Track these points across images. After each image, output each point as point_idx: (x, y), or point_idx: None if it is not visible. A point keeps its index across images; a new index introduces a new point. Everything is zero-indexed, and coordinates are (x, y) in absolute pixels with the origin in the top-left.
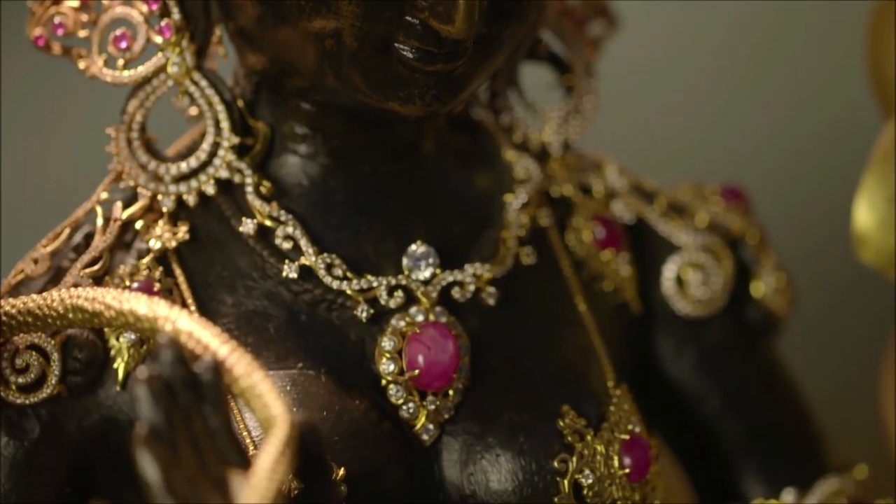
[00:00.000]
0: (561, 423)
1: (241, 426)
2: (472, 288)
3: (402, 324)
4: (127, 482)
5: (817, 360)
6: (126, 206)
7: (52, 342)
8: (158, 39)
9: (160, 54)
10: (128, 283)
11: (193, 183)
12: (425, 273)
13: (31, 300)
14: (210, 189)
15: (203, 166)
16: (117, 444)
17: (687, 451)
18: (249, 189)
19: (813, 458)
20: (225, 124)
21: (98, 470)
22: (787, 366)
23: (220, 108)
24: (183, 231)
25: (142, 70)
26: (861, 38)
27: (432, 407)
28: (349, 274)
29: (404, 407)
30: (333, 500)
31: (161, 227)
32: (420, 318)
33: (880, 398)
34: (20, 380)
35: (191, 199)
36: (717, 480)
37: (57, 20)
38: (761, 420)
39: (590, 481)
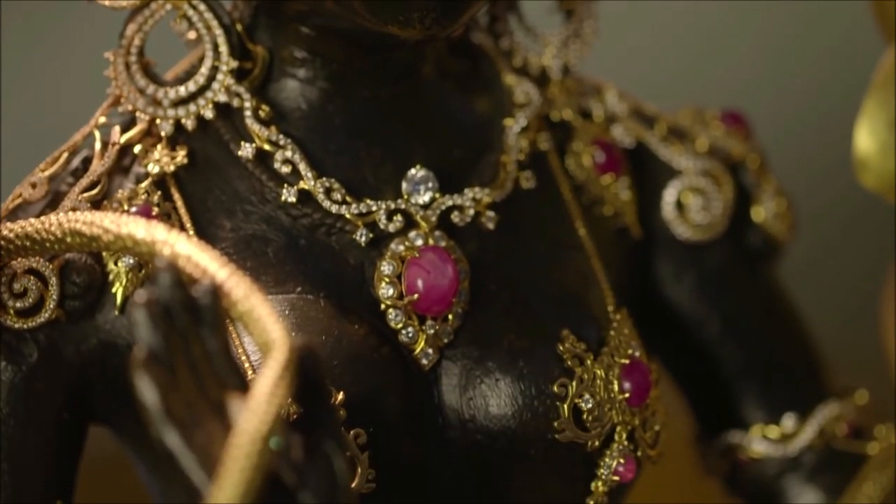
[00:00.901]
0: (560, 348)
1: (240, 350)
2: (471, 212)
3: (402, 248)
4: (125, 406)
5: (818, 286)
6: (124, 130)
7: (51, 266)
8: None
9: None
10: (126, 207)
11: (192, 107)
12: (424, 197)
13: (29, 224)
14: (209, 113)
15: (201, 90)
16: (116, 369)
17: (686, 377)
18: (248, 113)
19: (813, 383)
20: (223, 48)
21: (96, 395)
22: (787, 291)
23: (218, 32)
24: (181, 155)
25: None
26: None
27: (431, 331)
28: (348, 198)
29: (403, 331)
30: (333, 424)
31: (159, 152)
32: (419, 242)
33: (880, 324)
34: (18, 304)
35: (189, 124)
36: (716, 406)
37: None
38: (761, 345)
39: (589, 406)
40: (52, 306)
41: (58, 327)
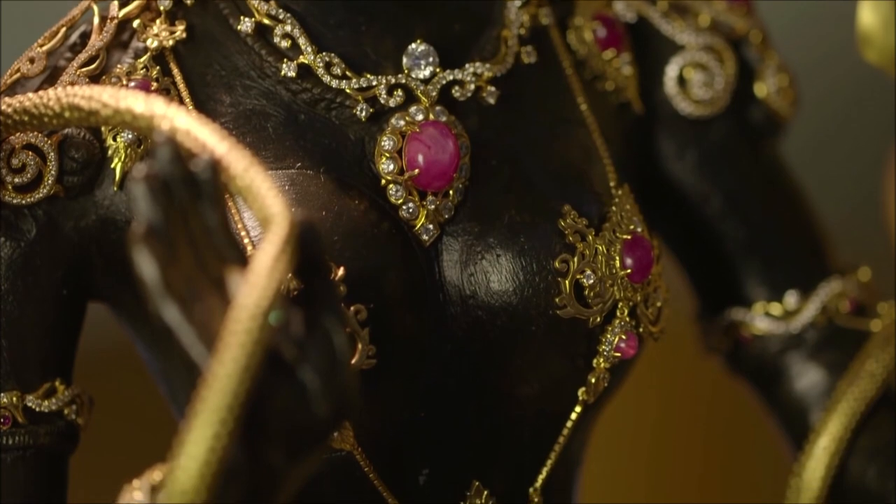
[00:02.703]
0: (562, 223)
1: (240, 225)
2: (472, 87)
3: (402, 123)
4: (124, 283)
5: (821, 165)
6: (123, 5)
7: (49, 142)
8: None
9: None
10: (125, 82)
11: None
12: (425, 72)
13: (28, 99)
14: None
15: None
16: (114, 245)
17: (688, 254)
18: None
19: (816, 260)
20: None
21: (95, 271)
22: (790, 169)
23: None
24: (180, 30)
25: None
26: None
27: (432, 207)
28: (348, 73)
29: (404, 207)
30: (333, 299)
31: (158, 26)
32: (420, 117)
33: (884, 201)
34: (16, 180)
35: None
36: (718, 283)
37: None
38: (763, 221)
39: (591, 281)
40: (50, 182)
41: (56, 203)
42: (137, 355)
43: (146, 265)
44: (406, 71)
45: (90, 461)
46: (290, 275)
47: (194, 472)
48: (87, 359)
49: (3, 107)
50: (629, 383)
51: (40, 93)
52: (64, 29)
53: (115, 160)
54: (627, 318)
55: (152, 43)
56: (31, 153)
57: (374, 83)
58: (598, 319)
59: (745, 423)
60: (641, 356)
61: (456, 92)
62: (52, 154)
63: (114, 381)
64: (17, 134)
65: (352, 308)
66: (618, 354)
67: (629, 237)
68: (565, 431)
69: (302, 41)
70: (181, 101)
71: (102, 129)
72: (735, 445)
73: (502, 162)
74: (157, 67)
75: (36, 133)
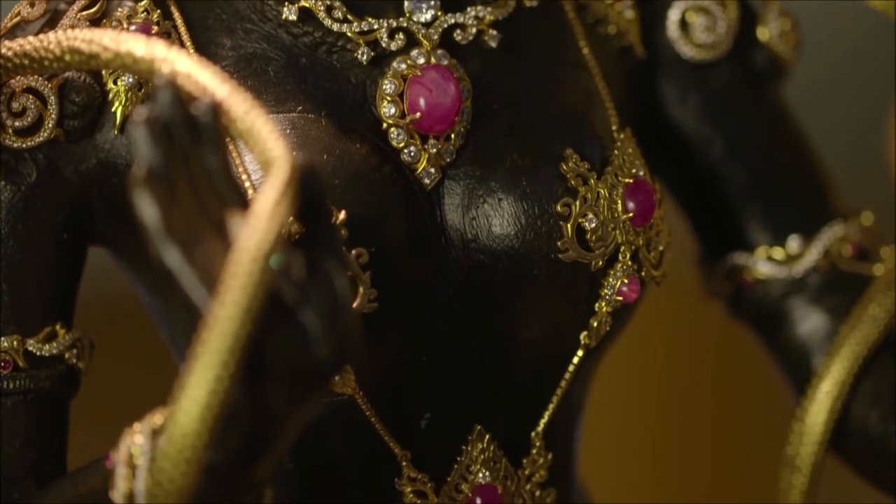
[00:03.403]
0: (564, 167)
1: (241, 169)
2: (473, 30)
3: (403, 66)
4: (125, 227)
5: (823, 108)
6: None
7: (49, 85)
8: None
9: None
10: (125, 25)
11: None
12: (426, 15)
13: (28, 42)
14: None
15: None
16: (115, 189)
17: (691, 199)
18: None
19: (818, 204)
20: None
21: (96, 215)
22: (792, 112)
23: None
24: None
25: None
26: None
27: (434, 150)
28: (349, 16)
29: (405, 150)
30: (334, 242)
31: None
32: (421, 60)
33: (886, 145)
34: (17, 123)
35: None
36: (721, 228)
37: None
38: (766, 165)
39: (593, 225)
40: (50, 125)
41: (57, 147)
42: (138, 299)
43: (147, 208)
44: (407, 14)
45: (91, 405)
46: (291, 218)
47: (195, 414)
48: (87, 303)
49: (4, 50)
50: (632, 329)
51: (41, 36)
52: None
53: (116, 104)
54: (629, 262)
55: None
56: (31, 97)
57: (376, 26)
58: (600, 263)
59: (748, 368)
60: (643, 299)
61: (457, 35)
62: (53, 97)
63: (114, 325)
64: (18, 77)
65: (353, 252)
66: (620, 298)
67: (631, 181)
68: (567, 375)
69: None
70: (182, 45)
71: (103, 72)
72: (737, 391)
73: (504, 106)
74: (158, 11)
75: (36, 76)
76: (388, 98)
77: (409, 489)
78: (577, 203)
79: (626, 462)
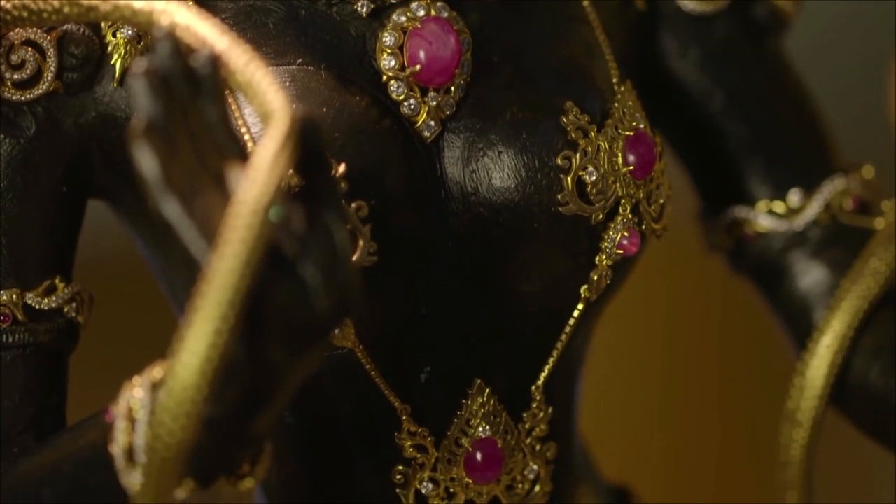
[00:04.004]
0: (564, 120)
1: (240, 121)
2: None
3: (403, 19)
4: (124, 180)
5: (824, 61)
6: None
7: (48, 38)
8: None
9: None
10: None
11: None
12: None
13: None
14: None
15: None
16: (114, 142)
17: (691, 152)
18: None
19: (819, 158)
20: None
21: (95, 168)
22: (793, 66)
23: None
24: None
25: None
26: None
27: (433, 103)
28: None
29: (405, 103)
30: (334, 195)
31: None
32: (421, 12)
33: (887, 99)
34: (15, 76)
35: None
36: (721, 182)
37: None
38: (767, 119)
39: (593, 178)
40: (49, 78)
41: (56, 99)
42: (137, 253)
43: (146, 160)
44: None
45: (90, 359)
46: (290, 171)
47: (195, 368)
48: (86, 257)
49: (2, 3)
50: (634, 284)
51: None
52: None
53: (115, 56)
54: (630, 215)
55: None
56: (30, 49)
57: None
58: (601, 216)
59: (748, 324)
60: (644, 253)
61: None
62: (52, 50)
63: (113, 278)
64: (16, 30)
65: (353, 205)
66: (620, 251)
67: (632, 133)
68: (567, 329)
69: None
70: None
71: (102, 25)
72: (738, 346)
73: (504, 59)
74: None
75: (35, 29)
76: (388, 51)
77: (408, 443)
78: (578, 156)
79: (627, 418)
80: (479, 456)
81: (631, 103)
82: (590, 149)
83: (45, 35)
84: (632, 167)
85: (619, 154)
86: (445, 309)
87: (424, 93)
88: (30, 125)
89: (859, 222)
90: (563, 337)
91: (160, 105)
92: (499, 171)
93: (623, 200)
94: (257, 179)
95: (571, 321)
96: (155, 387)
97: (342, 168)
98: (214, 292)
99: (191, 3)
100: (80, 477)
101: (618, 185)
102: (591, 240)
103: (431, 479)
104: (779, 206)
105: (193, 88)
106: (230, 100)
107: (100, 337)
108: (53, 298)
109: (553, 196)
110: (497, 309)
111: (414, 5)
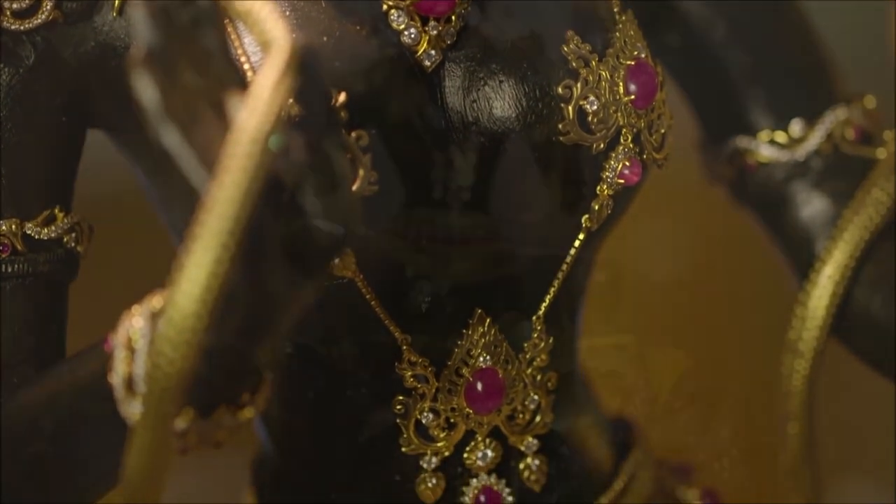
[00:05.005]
0: (565, 49)
1: (240, 51)
2: None
3: None
4: (124, 110)
5: None
6: None
7: None
8: None
9: None
10: None
11: None
12: None
13: None
14: None
15: None
16: (114, 72)
17: (693, 83)
18: None
19: (821, 88)
20: None
21: (95, 98)
22: None
23: None
24: None
25: None
26: None
27: (434, 32)
28: None
29: (406, 32)
30: (333, 124)
31: None
32: None
33: (887, 29)
34: (14, 5)
35: None
36: (723, 112)
37: None
38: (769, 49)
39: (594, 107)
40: (49, 7)
41: (55, 29)
42: (137, 183)
43: (146, 89)
44: None
45: (90, 289)
46: (290, 100)
47: (195, 296)
48: (86, 187)
49: None
50: (635, 215)
51: None
52: None
53: None
54: (631, 145)
55: None
56: None
57: None
58: (602, 146)
59: (749, 255)
60: (645, 183)
61: None
62: None
63: (113, 209)
64: None
65: (353, 134)
66: (621, 181)
67: (633, 62)
68: (568, 259)
69: None
70: None
71: None
72: (738, 278)
73: None
74: None
75: None
76: None
77: (409, 373)
78: (579, 85)
79: (626, 353)
80: (479, 386)
81: (632, 33)
82: (591, 78)
83: None
84: (633, 96)
85: (621, 83)
86: (446, 238)
87: (425, 22)
88: (29, 55)
89: (861, 152)
90: (564, 267)
91: (159, 34)
92: (500, 101)
93: (624, 130)
94: (257, 108)
95: (572, 251)
96: (155, 316)
97: (342, 97)
98: (215, 221)
99: None
100: (79, 407)
101: (619, 114)
102: (592, 169)
103: (432, 410)
104: (781, 136)
105: (193, 17)
106: (230, 29)
107: (100, 266)
108: (53, 228)
109: (554, 125)
110: (498, 238)
111: None
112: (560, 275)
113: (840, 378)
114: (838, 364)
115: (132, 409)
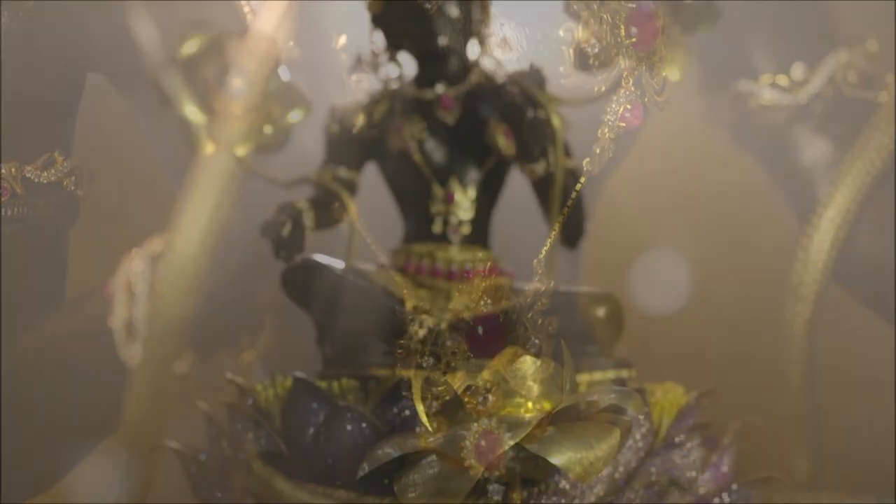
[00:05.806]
0: None
1: None
2: None
3: None
4: (124, 52)
5: None
6: None
7: None
8: None
9: None
10: None
11: None
12: None
13: None
14: None
15: None
16: (114, 14)
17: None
18: None
19: (823, 31)
20: None
21: (95, 40)
22: None
23: None
24: None
25: None
26: None
27: None
28: None
29: None
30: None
31: None
32: None
33: None
34: None
35: None
36: (725, 57)
37: None
38: None
39: (596, 51)
40: None
41: None
42: (138, 127)
43: (145, 31)
44: None
45: (90, 233)
46: (290, 43)
47: (195, 240)
48: (86, 132)
49: None
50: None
51: None
52: None
53: None
54: (632, 88)
55: None
56: None
57: None
58: (603, 88)
59: (749, 203)
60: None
61: None
62: None
63: (113, 152)
64: None
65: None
66: (622, 124)
67: (634, 6)
68: (569, 203)
69: None
70: None
71: None
72: (742, 223)
73: None
74: None
75: None
76: None
77: None
78: (580, 28)
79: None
80: None
81: None
82: (592, 21)
83: None
84: (634, 39)
85: (622, 26)
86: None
87: None
88: None
89: (863, 95)
90: (565, 210)
91: None
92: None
93: (625, 73)
94: (257, 52)
95: (574, 194)
96: (154, 260)
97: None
98: (215, 165)
99: None
100: (78, 351)
101: (620, 57)
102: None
103: None
104: (782, 80)
105: None
106: None
107: (99, 210)
108: (52, 171)
109: (555, 68)
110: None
111: None
112: (560, 219)
113: (841, 323)
114: (839, 310)
115: (132, 353)
